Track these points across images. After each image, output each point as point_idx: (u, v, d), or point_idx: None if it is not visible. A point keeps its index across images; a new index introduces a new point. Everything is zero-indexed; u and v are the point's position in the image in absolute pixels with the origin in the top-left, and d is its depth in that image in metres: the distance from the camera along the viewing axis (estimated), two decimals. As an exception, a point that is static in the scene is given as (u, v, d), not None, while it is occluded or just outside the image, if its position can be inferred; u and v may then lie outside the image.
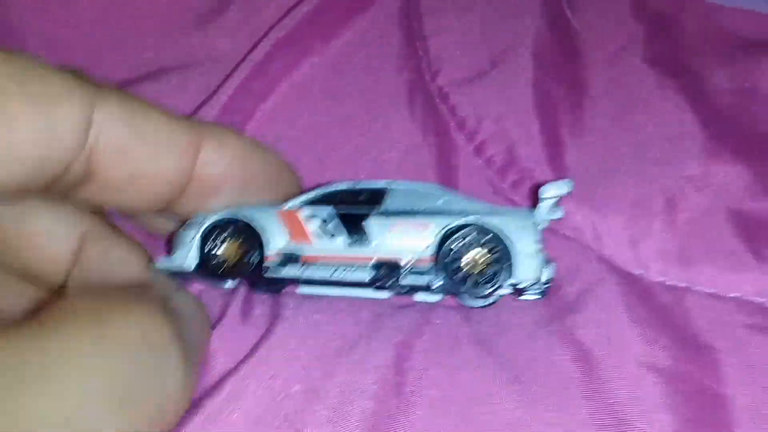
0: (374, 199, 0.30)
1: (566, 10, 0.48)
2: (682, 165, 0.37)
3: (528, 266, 0.28)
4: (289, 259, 0.30)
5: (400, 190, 0.30)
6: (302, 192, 0.32)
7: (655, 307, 0.32)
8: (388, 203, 0.30)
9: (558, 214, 0.30)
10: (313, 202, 0.30)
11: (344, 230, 0.29)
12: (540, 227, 0.29)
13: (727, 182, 0.36)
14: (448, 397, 0.28)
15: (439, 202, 0.29)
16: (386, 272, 0.29)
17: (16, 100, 0.22)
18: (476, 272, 0.29)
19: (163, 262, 0.30)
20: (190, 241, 0.30)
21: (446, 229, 0.29)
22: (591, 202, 0.36)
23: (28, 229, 0.29)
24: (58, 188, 0.26)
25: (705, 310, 0.32)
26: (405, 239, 0.29)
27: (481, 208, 0.29)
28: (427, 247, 0.29)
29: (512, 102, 0.41)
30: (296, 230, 0.30)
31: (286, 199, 0.31)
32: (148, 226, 0.34)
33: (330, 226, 0.30)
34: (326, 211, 0.30)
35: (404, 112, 0.43)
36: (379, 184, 0.30)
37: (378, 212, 0.29)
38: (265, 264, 0.30)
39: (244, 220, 0.30)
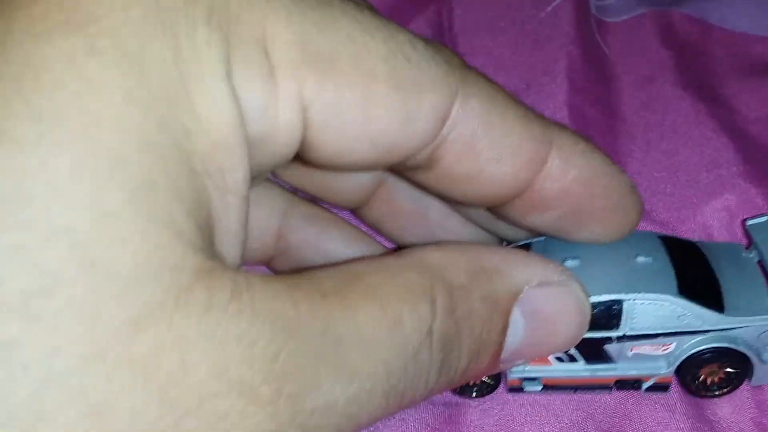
0: (611, 320, 0.28)
1: (597, 36, 0.48)
2: (718, 191, 0.38)
3: (766, 371, 0.29)
4: (530, 379, 0.30)
5: (637, 308, 0.27)
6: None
7: None
8: (628, 326, 0.28)
9: None
10: None
11: (583, 354, 0.29)
12: None
13: (764, 209, 0.37)
14: None
15: (677, 322, 0.28)
16: (626, 387, 0.29)
17: (385, 84, 0.21)
18: (715, 378, 0.29)
19: None
20: None
21: (686, 354, 0.28)
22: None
23: None
24: (398, 169, 0.25)
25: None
26: (645, 360, 0.29)
27: (720, 319, 0.28)
28: (666, 368, 0.29)
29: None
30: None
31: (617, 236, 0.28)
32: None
33: (569, 352, 0.29)
34: None
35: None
36: (613, 297, 0.28)
37: (618, 337, 0.28)
38: (508, 385, 0.30)
39: None
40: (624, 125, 0.42)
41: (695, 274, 0.29)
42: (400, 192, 0.32)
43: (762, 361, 0.29)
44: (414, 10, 0.48)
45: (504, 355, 0.24)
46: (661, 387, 0.29)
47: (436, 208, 0.32)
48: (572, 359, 0.29)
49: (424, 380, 0.21)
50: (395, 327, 0.20)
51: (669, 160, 0.40)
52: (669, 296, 0.27)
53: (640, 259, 0.28)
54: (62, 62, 0.16)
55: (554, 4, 0.48)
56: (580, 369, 0.29)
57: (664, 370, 0.29)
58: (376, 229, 0.34)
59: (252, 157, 0.19)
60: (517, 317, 0.24)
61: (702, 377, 0.29)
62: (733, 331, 0.28)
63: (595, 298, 0.27)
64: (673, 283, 0.28)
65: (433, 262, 0.22)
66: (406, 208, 0.32)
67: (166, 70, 0.17)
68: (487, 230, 0.32)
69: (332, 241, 0.32)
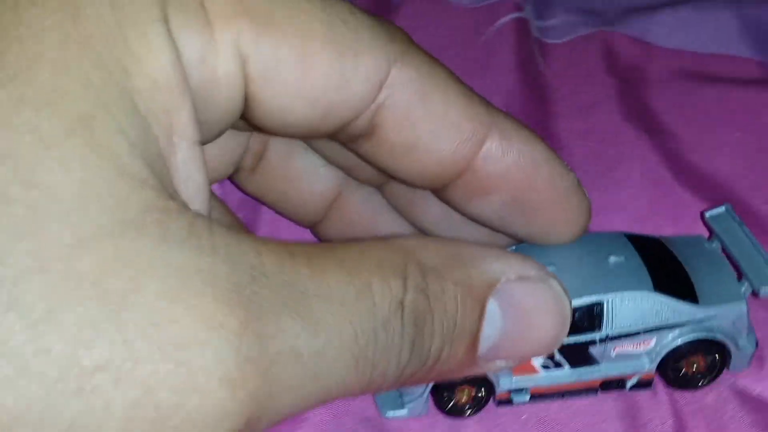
0: (593, 322, 0.28)
1: (539, 60, 0.48)
2: (658, 224, 0.37)
3: (743, 357, 0.30)
4: (518, 391, 0.30)
5: (617, 306, 0.28)
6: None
7: None
8: (608, 326, 0.28)
9: None
10: None
11: (569, 359, 0.29)
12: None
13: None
14: None
15: (656, 317, 0.28)
16: (611, 387, 0.30)
17: (321, 43, 0.21)
18: (696, 369, 0.30)
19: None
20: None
21: (668, 348, 0.29)
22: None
23: (294, 164, 0.30)
24: (341, 137, 0.25)
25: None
26: (628, 359, 0.29)
27: (696, 310, 0.29)
28: (649, 364, 0.29)
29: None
30: (521, 367, 0.29)
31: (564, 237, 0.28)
32: None
33: (555, 358, 0.29)
34: None
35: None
36: (592, 299, 0.28)
37: (602, 338, 0.28)
38: (496, 400, 0.30)
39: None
40: (563, 156, 0.42)
41: (666, 269, 0.29)
42: (357, 206, 0.32)
43: (738, 347, 0.29)
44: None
45: (482, 349, 0.23)
46: (644, 384, 0.30)
47: (392, 222, 0.32)
48: (558, 365, 0.29)
49: (396, 354, 0.21)
50: (364, 293, 0.20)
51: (610, 195, 0.39)
52: (646, 292, 0.28)
53: (613, 258, 0.29)
54: (4, 11, 0.17)
55: (493, 29, 0.47)
56: (566, 375, 0.29)
57: (647, 367, 0.29)
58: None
59: (195, 109, 0.19)
60: (493, 308, 0.23)
61: (683, 370, 0.30)
62: (710, 321, 0.29)
63: (575, 302, 0.27)
64: (648, 280, 0.28)
65: (407, 244, 0.22)
66: (362, 223, 0.32)
67: (103, 14, 0.18)
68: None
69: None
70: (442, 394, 0.30)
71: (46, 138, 0.16)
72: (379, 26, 0.23)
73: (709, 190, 0.39)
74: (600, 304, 0.28)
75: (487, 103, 0.25)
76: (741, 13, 0.49)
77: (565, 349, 0.28)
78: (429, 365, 0.22)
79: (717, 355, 0.29)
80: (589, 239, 0.29)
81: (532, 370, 0.29)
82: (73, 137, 0.16)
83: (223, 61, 0.20)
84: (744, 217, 0.37)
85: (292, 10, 0.21)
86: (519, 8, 0.49)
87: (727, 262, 0.30)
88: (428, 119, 0.24)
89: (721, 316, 0.29)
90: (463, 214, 0.28)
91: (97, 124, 0.17)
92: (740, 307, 0.29)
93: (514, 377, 0.29)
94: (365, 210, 0.32)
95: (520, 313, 0.24)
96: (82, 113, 0.16)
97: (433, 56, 0.25)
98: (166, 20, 0.19)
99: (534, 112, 0.44)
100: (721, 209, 0.32)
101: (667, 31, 0.49)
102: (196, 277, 0.16)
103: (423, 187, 0.28)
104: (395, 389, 0.23)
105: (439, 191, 0.27)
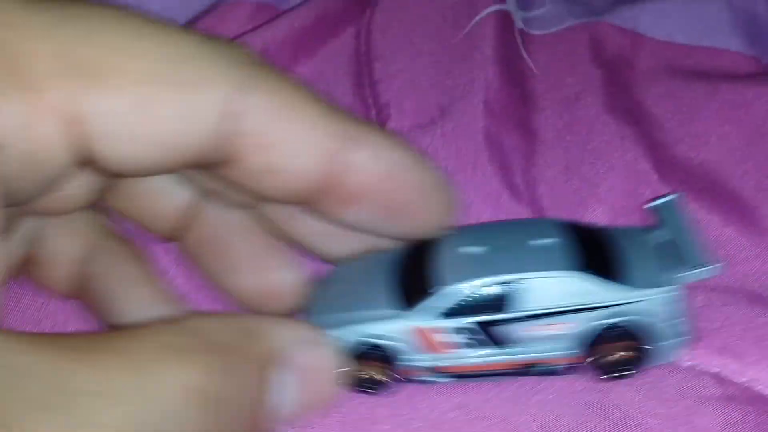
0: (513, 301, 0.28)
1: (523, 53, 0.47)
2: (638, 218, 0.36)
3: (673, 346, 0.29)
4: (433, 370, 0.29)
5: (537, 287, 0.27)
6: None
7: None
8: (528, 305, 0.28)
9: (710, 271, 0.28)
10: (448, 313, 0.28)
11: (486, 339, 0.28)
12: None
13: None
14: None
15: (577, 299, 0.28)
16: (532, 371, 0.29)
17: (159, 85, 0.21)
18: (623, 355, 0.29)
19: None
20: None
21: (592, 332, 0.28)
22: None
23: (145, 184, 0.30)
24: (198, 167, 0.25)
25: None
26: (549, 342, 0.28)
27: (621, 292, 0.28)
28: (572, 348, 0.28)
29: (462, 153, 0.40)
30: (436, 344, 0.28)
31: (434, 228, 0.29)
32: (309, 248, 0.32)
33: (473, 336, 0.28)
34: (466, 322, 0.28)
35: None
36: (512, 277, 0.28)
37: (518, 319, 0.28)
38: (409, 377, 0.29)
39: (383, 345, 0.28)
40: (543, 150, 0.41)
41: (598, 253, 0.29)
42: (217, 225, 0.31)
43: (668, 335, 0.28)
44: (330, 32, 0.46)
45: (269, 414, 0.24)
46: (571, 369, 0.29)
47: (257, 239, 0.31)
48: (477, 345, 0.28)
49: None
50: (148, 383, 0.19)
51: (589, 188, 0.38)
52: (570, 272, 0.27)
53: (543, 241, 0.29)
54: None
55: (474, 21, 0.46)
56: (487, 355, 0.28)
57: (571, 350, 0.28)
58: (197, 264, 0.32)
59: (15, 179, 0.19)
60: (279, 376, 0.24)
61: (610, 356, 0.29)
62: (636, 305, 0.28)
63: (496, 279, 0.27)
64: (575, 261, 0.28)
65: (196, 325, 0.22)
66: (224, 241, 0.31)
67: None
68: (314, 251, 0.32)
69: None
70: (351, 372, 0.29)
71: None
72: (222, 55, 0.23)
73: (693, 182, 0.38)
74: (519, 282, 0.27)
75: (347, 115, 0.26)
76: (732, 5, 0.48)
77: (485, 328, 0.28)
78: None
79: (644, 342, 0.28)
80: (526, 223, 0.30)
81: (450, 349, 0.28)
82: None
83: (50, 124, 0.20)
84: (730, 210, 0.36)
85: (127, 56, 0.21)
86: (501, 0, 0.48)
87: (665, 251, 0.30)
88: (286, 140, 0.24)
89: (649, 301, 0.28)
90: (337, 223, 0.28)
91: None
92: (669, 294, 0.28)
93: (430, 354, 0.28)
94: (226, 228, 0.31)
95: (305, 376, 0.25)
96: None
97: (285, 75, 0.25)
98: None
99: (515, 106, 0.43)
100: (662, 200, 0.32)
101: (656, 21, 0.48)
102: None
103: (292, 204, 0.28)
104: None
105: (309, 205, 0.27)
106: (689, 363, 0.30)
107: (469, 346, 0.28)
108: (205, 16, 0.46)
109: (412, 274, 0.29)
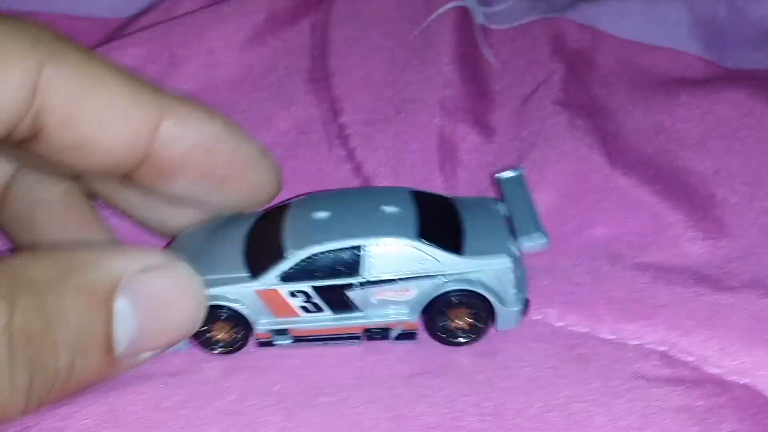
0: (351, 266, 0.28)
1: (483, 49, 0.46)
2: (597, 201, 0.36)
3: (510, 315, 0.29)
4: (279, 333, 0.29)
5: (375, 253, 0.28)
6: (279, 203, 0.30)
7: None
8: (366, 271, 0.28)
9: (539, 244, 0.29)
10: (289, 277, 0.28)
11: (328, 303, 0.29)
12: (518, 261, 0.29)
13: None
14: None
15: (416, 266, 0.28)
16: (375, 336, 0.29)
17: None
18: (460, 323, 0.29)
19: None
20: None
21: (429, 299, 0.28)
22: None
23: None
24: (4, 143, 0.25)
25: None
26: (389, 306, 0.29)
27: (459, 261, 0.28)
28: (411, 313, 0.29)
29: (413, 151, 0.39)
30: (280, 308, 0.29)
31: (259, 199, 0.30)
32: (137, 219, 0.32)
33: (314, 300, 0.29)
34: (306, 286, 0.28)
35: (302, 150, 0.40)
36: (350, 243, 0.28)
37: (358, 283, 0.28)
38: (256, 339, 0.29)
39: (230, 305, 0.28)
40: (498, 143, 0.40)
41: (438, 222, 0.29)
42: (24, 200, 0.31)
43: (504, 303, 0.28)
44: (286, 25, 0.45)
45: (120, 348, 0.24)
46: (408, 335, 0.29)
47: (63, 212, 0.31)
48: (319, 309, 0.29)
49: (8, 380, 0.20)
50: None
51: (539, 173, 0.38)
52: (406, 239, 0.28)
53: (386, 208, 0.29)
54: None
55: (432, 17, 0.46)
56: (328, 319, 0.29)
57: (409, 316, 0.29)
58: (8, 233, 0.32)
59: None
60: (123, 306, 0.23)
61: (447, 323, 0.29)
62: (472, 273, 0.28)
63: (334, 244, 0.28)
64: (414, 229, 0.28)
65: (15, 264, 0.22)
66: (30, 214, 0.31)
67: None
68: (147, 224, 0.32)
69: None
70: (200, 331, 0.28)
71: None
72: (19, 32, 0.23)
73: (643, 169, 0.38)
74: (359, 248, 0.28)
75: (157, 89, 0.26)
76: (692, 9, 0.48)
77: (324, 292, 0.28)
78: (62, 380, 0.22)
79: (481, 311, 0.29)
80: (373, 191, 0.31)
81: (293, 312, 0.29)
82: None
83: None
84: (680, 197, 0.36)
85: None
86: (461, -3, 0.47)
87: (504, 222, 0.30)
88: (92, 115, 0.25)
89: (484, 269, 0.28)
90: (156, 195, 0.28)
91: None
92: (504, 262, 0.28)
93: (275, 318, 0.29)
94: (36, 201, 0.31)
95: (152, 303, 0.24)
96: None
97: (89, 51, 0.25)
98: None
99: (473, 103, 0.42)
100: (513, 173, 0.33)
101: (617, 20, 0.48)
102: None
103: (105, 178, 0.28)
104: (31, 412, 0.22)
105: (125, 179, 0.27)
106: (636, 342, 0.30)
107: (307, 310, 0.29)
108: (153, 9, 0.45)
109: (262, 238, 0.29)
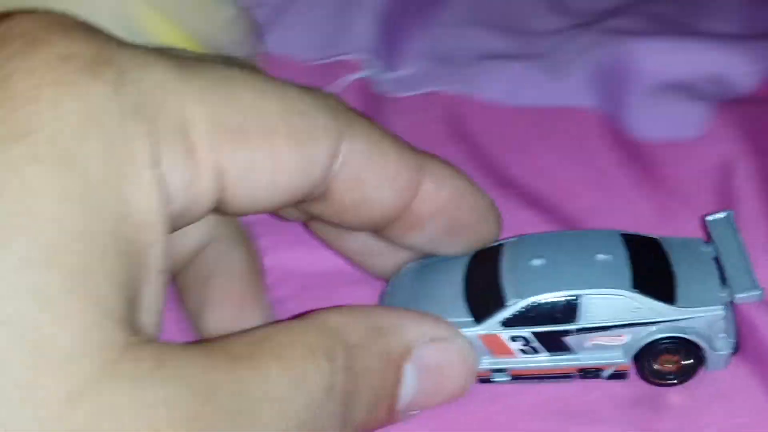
0: (568, 314, 0.30)
1: (384, 118, 0.47)
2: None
3: (719, 359, 0.30)
4: (498, 371, 0.31)
5: (592, 302, 0.30)
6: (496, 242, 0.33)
7: None
8: (583, 318, 0.30)
9: (753, 296, 0.30)
10: (509, 323, 0.30)
11: (545, 346, 0.30)
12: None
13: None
14: None
15: (630, 314, 0.30)
16: (589, 375, 0.31)
17: (284, 138, 0.24)
18: (670, 367, 0.31)
19: None
20: None
21: (641, 344, 0.30)
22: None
23: None
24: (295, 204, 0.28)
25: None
26: (603, 350, 0.30)
27: (672, 310, 0.30)
28: (623, 357, 0.30)
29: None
30: (499, 349, 0.31)
31: (480, 246, 0.33)
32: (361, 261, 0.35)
33: (531, 345, 0.30)
34: (526, 332, 0.30)
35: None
36: (568, 294, 0.30)
37: (574, 330, 0.30)
38: (481, 378, 0.31)
39: None
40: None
41: (650, 269, 0.31)
42: (208, 262, 0.33)
43: (714, 349, 0.30)
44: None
45: (399, 406, 0.27)
46: (619, 375, 0.31)
47: (233, 282, 0.33)
48: (535, 351, 0.31)
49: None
50: (301, 384, 0.22)
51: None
52: (622, 290, 0.29)
53: (600, 256, 0.31)
54: (6, 172, 0.19)
55: (332, 87, 0.47)
56: (544, 360, 0.31)
57: (622, 360, 0.30)
58: (182, 295, 0.34)
59: (174, 224, 0.22)
60: (409, 371, 0.27)
61: (658, 367, 0.31)
62: (684, 321, 0.30)
63: (554, 295, 0.30)
64: (628, 278, 0.30)
65: (332, 323, 0.25)
66: (204, 280, 0.33)
67: (99, 167, 0.20)
68: (364, 266, 0.35)
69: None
70: None
71: (46, 296, 0.18)
72: (325, 105, 0.26)
73: (523, 194, 0.40)
74: (577, 297, 0.29)
75: (414, 148, 0.29)
76: (587, 66, 0.48)
77: (542, 337, 0.30)
78: (355, 430, 0.25)
79: (691, 356, 0.30)
80: (584, 236, 0.33)
81: (511, 354, 0.31)
82: (70, 291, 0.18)
83: (204, 181, 0.23)
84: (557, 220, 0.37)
85: (258, 115, 0.24)
86: (361, 67, 0.49)
87: (714, 267, 0.31)
88: (373, 177, 0.27)
89: (696, 318, 0.30)
90: (398, 245, 0.32)
91: (90, 275, 0.19)
92: (717, 312, 0.30)
93: (495, 358, 0.31)
94: (213, 268, 0.33)
95: (432, 372, 0.28)
96: (77, 267, 0.19)
97: (366, 116, 0.28)
98: (157, 162, 0.21)
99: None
100: (723, 215, 0.34)
101: (511, 88, 0.48)
102: (162, 409, 0.19)
103: (363, 230, 0.31)
104: None
105: (380, 231, 0.30)
106: None
107: (524, 352, 0.31)
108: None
109: (480, 283, 0.31)
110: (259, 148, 0.24)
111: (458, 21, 0.53)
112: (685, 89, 0.46)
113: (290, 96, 0.25)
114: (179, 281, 0.33)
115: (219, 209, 0.25)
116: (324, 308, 0.26)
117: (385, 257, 0.34)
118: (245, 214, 0.26)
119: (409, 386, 0.27)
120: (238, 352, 0.21)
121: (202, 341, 0.23)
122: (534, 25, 0.52)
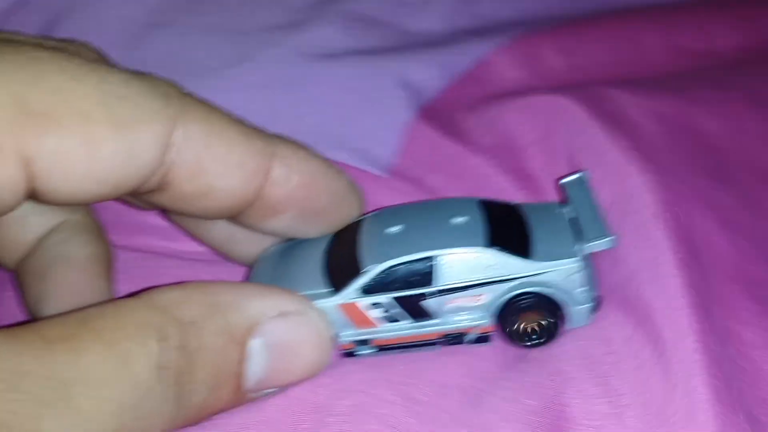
0: (425, 277, 0.30)
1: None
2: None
3: (580, 314, 0.30)
4: (361, 343, 0.30)
5: (447, 262, 0.29)
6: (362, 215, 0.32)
7: None
8: (439, 280, 0.30)
9: (607, 244, 0.30)
10: (368, 290, 0.30)
11: (406, 312, 0.30)
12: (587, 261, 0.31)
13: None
14: None
15: (486, 272, 0.30)
16: (452, 341, 0.31)
17: (102, 124, 0.23)
18: (532, 326, 0.30)
19: None
20: None
21: (500, 302, 0.30)
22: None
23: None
24: (132, 194, 0.26)
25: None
26: (463, 312, 0.30)
27: (528, 265, 0.30)
28: (485, 318, 0.30)
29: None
30: (360, 320, 0.30)
31: (344, 225, 0.32)
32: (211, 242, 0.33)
33: (391, 312, 0.30)
34: (384, 298, 0.30)
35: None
36: (423, 255, 0.29)
37: (432, 292, 0.30)
38: (340, 350, 0.30)
39: None
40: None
41: (506, 229, 0.31)
42: (54, 248, 0.32)
43: (574, 303, 0.30)
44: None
45: (248, 384, 0.25)
46: (483, 338, 0.31)
47: (73, 274, 0.32)
48: (397, 319, 0.30)
49: (159, 414, 0.22)
50: (123, 365, 0.21)
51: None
52: (475, 248, 0.29)
53: (455, 219, 0.31)
54: None
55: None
56: (406, 327, 0.30)
57: (484, 321, 0.30)
58: (21, 285, 0.32)
59: None
60: (256, 348, 0.25)
61: (521, 325, 0.30)
62: (541, 276, 0.30)
63: (410, 258, 0.29)
64: (482, 237, 0.30)
65: (164, 300, 0.24)
66: (43, 273, 0.32)
67: None
68: (226, 253, 0.34)
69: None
70: None
71: None
72: (152, 91, 0.24)
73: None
74: (430, 259, 0.29)
75: (264, 133, 0.28)
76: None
77: (401, 303, 0.30)
78: (195, 413, 0.24)
79: (552, 313, 0.30)
80: (441, 203, 0.33)
81: (373, 324, 0.30)
82: None
83: (8, 169, 0.22)
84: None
85: (69, 99, 0.22)
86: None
87: (569, 225, 0.32)
88: (215, 165, 0.26)
89: (552, 272, 0.30)
90: (258, 231, 0.30)
91: None
92: (572, 264, 0.30)
93: (357, 329, 0.30)
94: (53, 261, 0.31)
95: (283, 347, 0.26)
96: None
97: (209, 103, 0.26)
98: None
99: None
100: (575, 176, 0.34)
101: None
102: None
103: (215, 219, 0.30)
104: None
105: (232, 219, 0.29)
106: None
107: (388, 320, 0.30)
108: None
109: (339, 255, 0.31)
110: (71, 134, 0.22)
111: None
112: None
113: (111, 80, 0.23)
114: (19, 275, 0.31)
115: (36, 199, 0.23)
116: (158, 286, 0.25)
117: (248, 244, 0.32)
118: (65, 204, 0.25)
119: (257, 364, 0.25)
120: (55, 335, 0.20)
121: (12, 325, 0.21)
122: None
